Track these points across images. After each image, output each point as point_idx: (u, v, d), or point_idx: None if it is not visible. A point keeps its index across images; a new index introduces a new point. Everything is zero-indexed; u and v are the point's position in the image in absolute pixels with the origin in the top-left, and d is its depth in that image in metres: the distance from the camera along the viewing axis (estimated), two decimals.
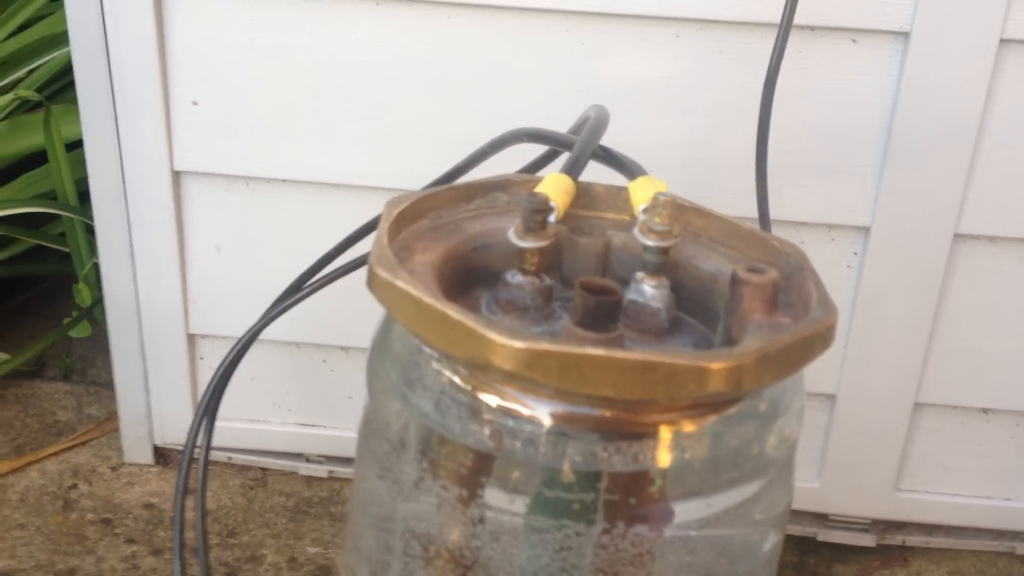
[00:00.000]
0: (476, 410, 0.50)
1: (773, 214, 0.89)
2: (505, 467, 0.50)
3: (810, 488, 1.11)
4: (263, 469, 1.18)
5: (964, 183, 0.97)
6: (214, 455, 1.16)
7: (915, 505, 1.11)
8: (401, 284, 0.49)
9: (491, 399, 0.50)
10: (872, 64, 0.94)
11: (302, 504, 1.13)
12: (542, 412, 0.49)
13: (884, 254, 1.00)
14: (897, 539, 1.12)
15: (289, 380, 1.14)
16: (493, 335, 0.46)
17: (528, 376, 0.46)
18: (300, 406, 1.15)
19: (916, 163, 0.96)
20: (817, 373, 1.05)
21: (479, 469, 0.50)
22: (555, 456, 0.48)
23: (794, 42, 0.92)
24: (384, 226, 0.54)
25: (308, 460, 1.17)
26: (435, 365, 0.51)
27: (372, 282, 0.51)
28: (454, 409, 0.50)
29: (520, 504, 0.50)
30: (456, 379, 0.51)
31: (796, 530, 1.12)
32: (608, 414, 0.48)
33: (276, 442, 1.16)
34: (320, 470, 1.17)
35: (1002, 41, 0.91)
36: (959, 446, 1.09)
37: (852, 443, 1.08)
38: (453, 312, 0.47)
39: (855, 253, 1.02)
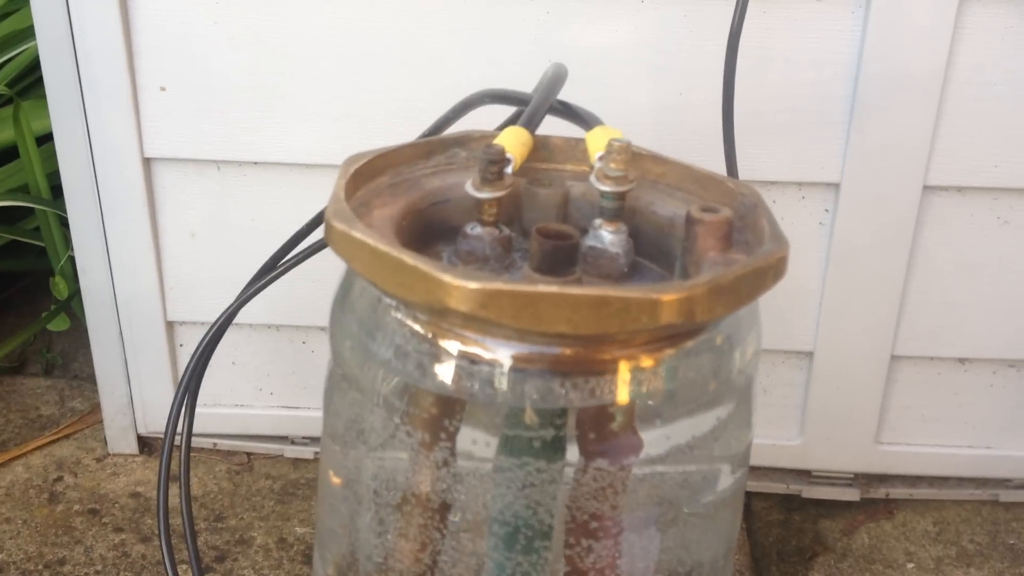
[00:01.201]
0: (437, 355, 0.50)
1: (743, 175, 0.89)
2: (469, 410, 0.50)
3: (792, 445, 1.11)
4: (248, 453, 1.18)
5: (931, 135, 0.97)
6: (199, 442, 1.17)
7: (897, 457, 1.12)
8: (357, 234, 0.50)
9: (451, 344, 0.50)
10: (836, 20, 0.94)
11: (289, 486, 1.14)
12: (501, 354, 0.49)
13: (855, 210, 1.01)
14: (881, 492, 1.13)
15: (270, 363, 1.14)
16: (448, 278, 0.46)
17: (483, 316, 0.46)
18: (282, 389, 1.16)
19: (883, 117, 0.97)
20: (794, 331, 1.06)
21: (443, 414, 0.51)
22: (515, 396, 0.49)
23: (757, 2, 0.92)
24: (340, 182, 0.55)
25: (293, 442, 1.18)
26: (395, 313, 0.52)
27: (329, 235, 0.52)
28: (415, 356, 0.51)
29: (484, 445, 0.50)
30: (416, 326, 0.51)
31: (780, 488, 1.13)
32: (566, 352, 0.49)
33: (260, 426, 1.17)
34: (306, 452, 1.17)
35: None
36: (937, 397, 1.10)
37: (831, 399, 1.09)
38: (408, 258, 0.48)
39: (826, 210, 1.02)
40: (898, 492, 1.13)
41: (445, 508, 0.52)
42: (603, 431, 0.49)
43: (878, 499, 1.13)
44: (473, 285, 0.46)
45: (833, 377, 1.08)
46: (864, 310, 1.04)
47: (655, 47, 0.96)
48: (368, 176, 0.58)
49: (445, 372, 0.50)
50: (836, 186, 1.00)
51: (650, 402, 0.50)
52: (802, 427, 1.11)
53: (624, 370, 0.49)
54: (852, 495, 1.13)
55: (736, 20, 0.85)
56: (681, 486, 0.53)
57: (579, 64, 0.96)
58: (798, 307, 1.06)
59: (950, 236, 1.02)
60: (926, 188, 1.00)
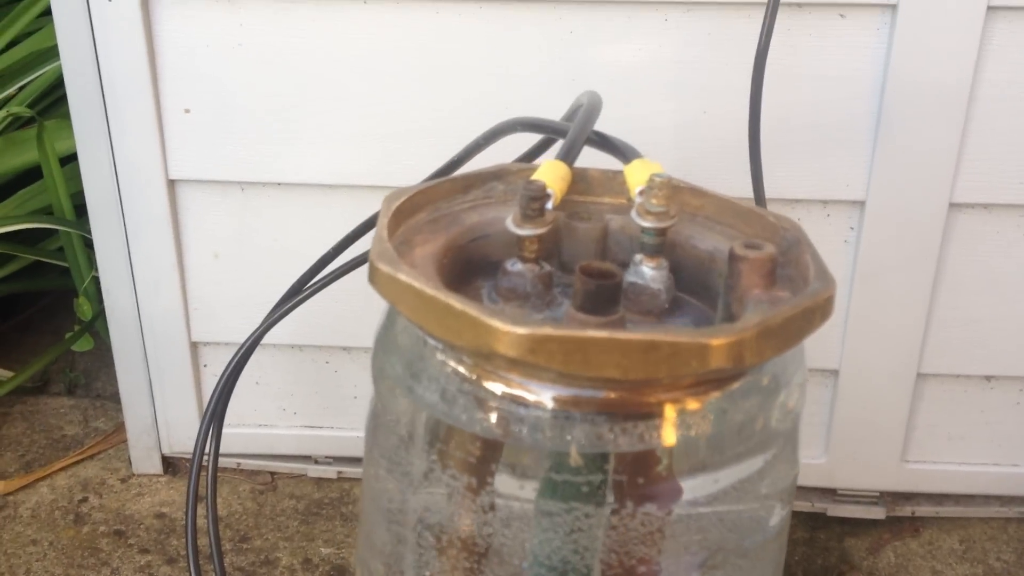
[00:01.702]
0: (482, 398, 0.50)
1: (768, 193, 0.89)
2: (513, 453, 0.50)
3: (817, 464, 1.11)
4: (272, 473, 1.18)
5: (957, 152, 0.97)
6: (223, 462, 1.17)
7: (923, 475, 1.12)
8: (403, 277, 0.50)
9: (496, 387, 0.50)
10: (861, 38, 0.94)
11: (313, 506, 1.14)
12: (547, 397, 0.49)
13: (880, 227, 1.00)
14: (907, 510, 1.13)
15: (294, 383, 1.14)
16: (496, 323, 0.46)
17: (532, 362, 0.46)
18: (306, 409, 1.16)
19: (908, 135, 0.96)
20: (819, 349, 1.06)
21: (487, 457, 0.51)
22: (561, 440, 0.49)
23: (782, 20, 0.92)
24: (383, 221, 0.55)
25: (316, 462, 1.18)
26: (439, 356, 0.52)
27: (374, 277, 0.52)
28: (460, 398, 0.51)
29: (529, 489, 0.50)
30: (461, 368, 0.51)
31: (805, 506, 1.13)
32: (612, 395, 0.48)
33: (284, 446, 1.17)
34: (329, 471, 1.17)
35: (989, 8, 0.91)
36: (963, 415, 1.09)
37: (857, 417, 1.08)
38: (456, 302, 0.48)
39: (851, 228, 1.02)
40: (924, 510, 1.13)
41: (486, 551, 0.52)
42: (650, 475, 0.49)
43: (904, 517, 1.13)
44: (522, 331, 0.46)
45: (858, 395, 1.07)
46: (889, 328, 1.04)
47: (678, 65, 0.96)
48: (408, 212, 0.58)
49: (490, 415, 0.50)
50: (861, 204, 1.00)
51: (698, 445, 0.49)
52: (827, 445, 1.10)
53: (671, 413, 0.49)
54: (878, 513, 1.12)
55: (763, 38, 0.84)
56: (728, 528, 0.52)
57: (602, 82, 0.96)
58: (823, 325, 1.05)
59: (976, 253, 1.02)
60: (952, 205, 1.00)
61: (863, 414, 1.08)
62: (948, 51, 0.93)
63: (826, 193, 1.00)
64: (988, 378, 1.08)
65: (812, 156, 0.99)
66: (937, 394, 1.09)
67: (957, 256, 1.02)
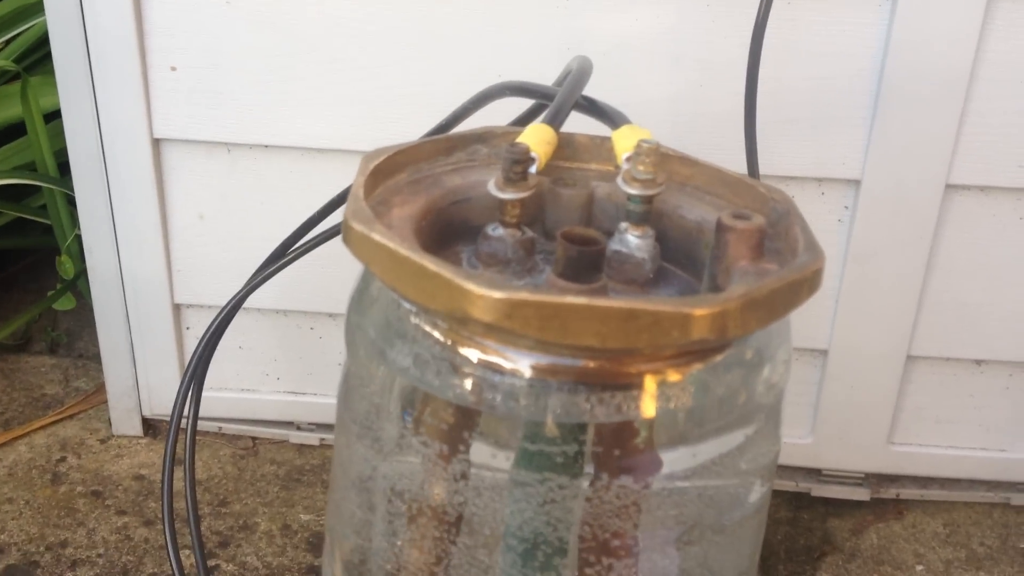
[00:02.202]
0: (456, 364, 0.49)
1: (763, 168, 0.88)
2: (487, 422, 0.49)
3: (803, 444, 1.10)
4: (254, 438, 1.17)
5: (955, 133, 0.96)
6: (204, 425, 1.15)
7: (909, 458, 1.11)
8: (377, 237, 0.48)
9: (471, 353, 0.48)
10: (862, 14, 0.93)
11: (294, 472, 1.13)
12: (523, 364, 0.48)
13: (875, 207, 0.99)
14: (891, 492, 1.12)
15: (277, 348, 1.13)
16: (471, 286, 0.45)
17: (507, 327, 0.45)
18: (289, 374, 1.15)
19: (907, 114, 0.95)
20: (809, 328, 1.05)
21: (461, 424, 0.49)
22: (537, 409, 0.47)
23: None
24: (360, 179, 0.53)
25: (299, 428, 1.17)
26: (414, 320, 0.50)
27: (347, 236, 0.50)
28: (434, 364, 0.49)
29: (503, 459, 0.49)
30: (435, 333, 0.49)
31: (790, 486, 1.12)
32: (591, 365, 0.47)
33: (266, 411, 1.16)
34: (311, 438, 1.16)
35: None
36: (952, 398, 1.09)
37: (845, 398, 1.07)
38: (430, 264, 0.46)
39: (846, 207, 1.01)
40: (908, 493, 1.12)
41: (458, 520, 0.51)
42: (627, 447, 0.48)
43: (888, 499, 1.12)
44: (497, 295, 0.44)
45: (847, 376, 1.06)
46: (881, 309, 1.03)
47: (675, 37, 0.94)
48: (387, 173, 0.57)
49: (464, 382, 0.48)
50: (857, 183, 0.99)
51: (678, 418, 0.48)
52: (814, 425, 1.09)
53: (651, 385, 0.47)
54: (862, 495, 1.11)
55: (762, 11, 0.83)
56: (707, 503, 0.51)
57: (597, 53, 0.94)
58: (814, 304, 1.02)
59: (971, 236, 1.01)
60: (948, 187, 0.98)
61: (851, 395, 1.07)
62: (949, 31, 0.91)
63: (821, 171, 0.99)
64: (979, 362, 1.07)
65: (808, 133, 0.97)
66: (926, 377, 1.08)
67: (952, 238, 1.01)
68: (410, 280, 0.47)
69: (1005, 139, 0.96)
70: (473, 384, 0.48)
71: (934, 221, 0.99)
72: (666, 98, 0.97)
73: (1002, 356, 1.06)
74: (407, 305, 0.51)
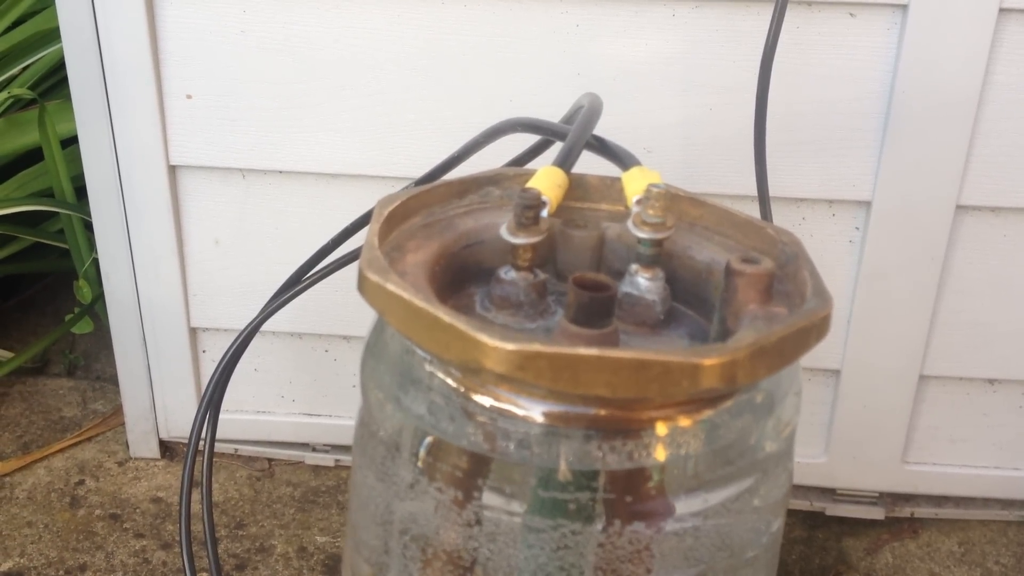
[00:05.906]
0: (469, 412, 0.49)
1: (773, 191, 0.88)
2: (500, 468, 0.50)
3: (817, 463, 1.10)
4: (269, 460, 1.18)
5: (965, 154, 0.96)
6: (221, 447, 1.17)
7: (923, 477, 1.11)
8: (391, 287, 0.49)
9: (484, 400, 0.49)
10: (871, 37, 0.93)
11: (310, 494, 1.13)
12: (535, 412, 0.48)
13: (886, 228, 0.99)
14: (906, 511, 1.12)
15: (292, 370, 1.14)
16: (484, 338, 0.46)
17: (520, 378, 0.45)
18: (304, 396, 1.15)
19: (917, 136, 0.95)
20: (821, 349, 1.04)
21: (474, 471, 0.50)
22: (550, 456, 0.48)
23: (791, 17, 0.91)
24: (375, 227, 0.54)
25: (314, 449, 1.18)
26: (428, 367, 0.51)
27: (362, 286, 0.51)
28: (447, 411, 0.50)
29: (516, 505, 0.50)
30: (449, 381, 0.50)
31: (804, 505, 1.12)
32: (602, 412, 0.48)
33: (282, 433, 1.17)
34: (326, 459, 1.17)
35: (1001, 10, 0.90)
36: (966, 417, 1.09)
37: (858, 417, 1.08)
38: (444, 315, 0.47)
39: (857, 228, 1.01)
40: (923, 512, 1.12)
41: (472, 565, 0.51)
42: (639, 493, 0.48)
43: (903, 518, 1.12)
44: (510, 346, 0.45)
45: (860, 395, 1.07)
46: (893, 329, 1.03)
47: (685, 61, 0.95)
48: (402, 217, 0.57)
49: (478, 429, 0.49)
50: (867, 204, 0.99)
51: (689, 463, 0.49)
52: (828, 445, 1.10)
53: (662, 431, 0.48)
54: (877, 514, 1.12)
55: (771, 35, 0.83)
56: (721, 542, 0.52)
57: (607, 78, 0.96)
58: None
59: (982, 256, 1.01)
60: (959, 208, 0.98)
61: (864, 414, 1.07)
62: (959, 52, 0.91)
63: (832, 192, 0.99)
64: (991, 381, 1.07)
65: (819, 155, 0.98)
66: (939, 396, 1.08)
67: (963, 258, 1.01)
68: (424, 330, 0.48)
69: (1015, 160, 0.96)
70: (486, 431, 0.49)
71: (945, 241, 0.99)
72: (676, 122, 0.97)
73: (1015, 375, 1.06)
74: (421, 353, 0.51)
